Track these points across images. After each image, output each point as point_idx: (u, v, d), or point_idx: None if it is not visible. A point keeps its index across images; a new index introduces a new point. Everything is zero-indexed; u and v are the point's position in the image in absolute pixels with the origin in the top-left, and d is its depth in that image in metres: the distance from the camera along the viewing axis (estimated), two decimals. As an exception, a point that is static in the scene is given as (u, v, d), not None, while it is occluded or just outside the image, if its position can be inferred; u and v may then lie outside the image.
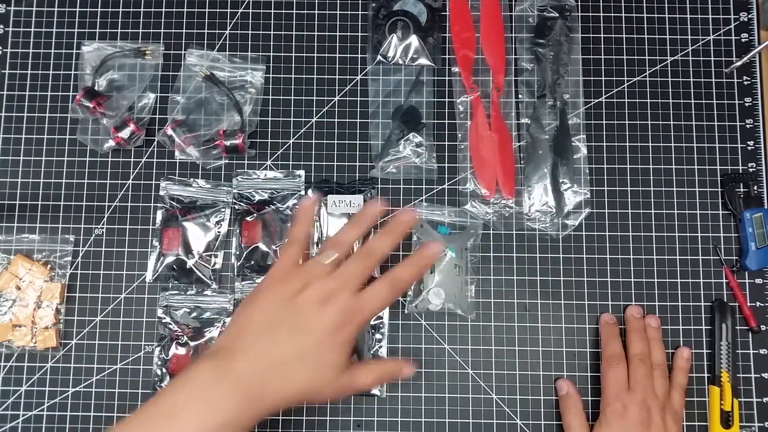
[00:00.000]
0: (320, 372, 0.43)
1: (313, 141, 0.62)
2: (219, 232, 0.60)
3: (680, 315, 0.59)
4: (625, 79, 0.63)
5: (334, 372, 0.43)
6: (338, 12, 0.64)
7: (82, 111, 0.60)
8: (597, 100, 0.62)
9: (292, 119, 0.62)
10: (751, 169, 0.61)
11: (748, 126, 0.62)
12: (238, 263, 0.59)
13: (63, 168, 0.61)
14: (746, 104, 0.62)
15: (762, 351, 0.58)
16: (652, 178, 0.61)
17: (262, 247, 0.59)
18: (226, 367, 0.42)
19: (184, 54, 0.62)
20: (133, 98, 0.61)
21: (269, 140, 0.62)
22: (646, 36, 0.63)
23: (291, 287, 0.44)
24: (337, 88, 0.63)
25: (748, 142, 0.62)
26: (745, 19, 0.64)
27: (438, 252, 0.48)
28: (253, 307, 0.45)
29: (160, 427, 0.40)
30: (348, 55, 0.63)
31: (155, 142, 0.61)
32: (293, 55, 0.63)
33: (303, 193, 0.60)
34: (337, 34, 0.64)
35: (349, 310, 0.44)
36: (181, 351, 0.58)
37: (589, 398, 0.58)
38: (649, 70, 0.63)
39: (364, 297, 0.45)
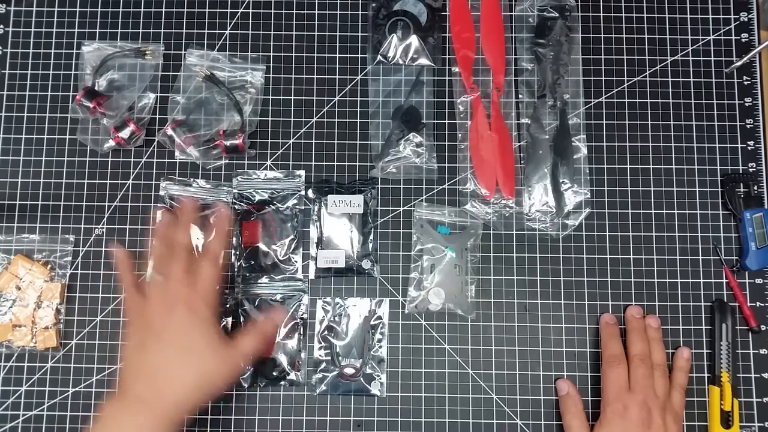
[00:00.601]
0: (198, 362, 0.48)
1: (313, 141, 0.62)
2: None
3: (680, 315, 0.59)
4: (625, 79, 0.63)
5: (212, 354, 0.49)
6: (338, 12, 0.64)
7: (82, 111, 0.60)
8: (597, 100, 0.62)
9: (292, 119, 0.62)
10: (751, 169, 0.61)
11: (748, 126, 0.62)
12: (238, 263, 0.59)
13: (63, 168, 0.61)
14: (746, 104, 0.62)
15: (762, 351, 0.58)
16: (652, 178, 0.61)
17: (262, 247, 0.59)
18: (123, 403, 0.48)
19: (184, 54, 0.62)
20: (133, 98, 0.61)
21: (269, 140, 0.62)
22: (646, 36, 0.63)
23: (143, 322, 0.51)
24: (337, 88, 0.63)
25: (748, 142, 0.62)
26: (745, 19, 0.64)
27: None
28: (126, 349, 0.51)
29: None
30: (348, 55, 0.63)
31: (155, 142, 0.61)
32: (293, 55, 0.63)
33: (303, 193, 0.60)
34: (337, 34, 0.64)
35: (188, 303, 0.50)
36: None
37: (589, 398, 0.58)
38: (649, 70, 0.63)
39: (196, 285, 0.51)
